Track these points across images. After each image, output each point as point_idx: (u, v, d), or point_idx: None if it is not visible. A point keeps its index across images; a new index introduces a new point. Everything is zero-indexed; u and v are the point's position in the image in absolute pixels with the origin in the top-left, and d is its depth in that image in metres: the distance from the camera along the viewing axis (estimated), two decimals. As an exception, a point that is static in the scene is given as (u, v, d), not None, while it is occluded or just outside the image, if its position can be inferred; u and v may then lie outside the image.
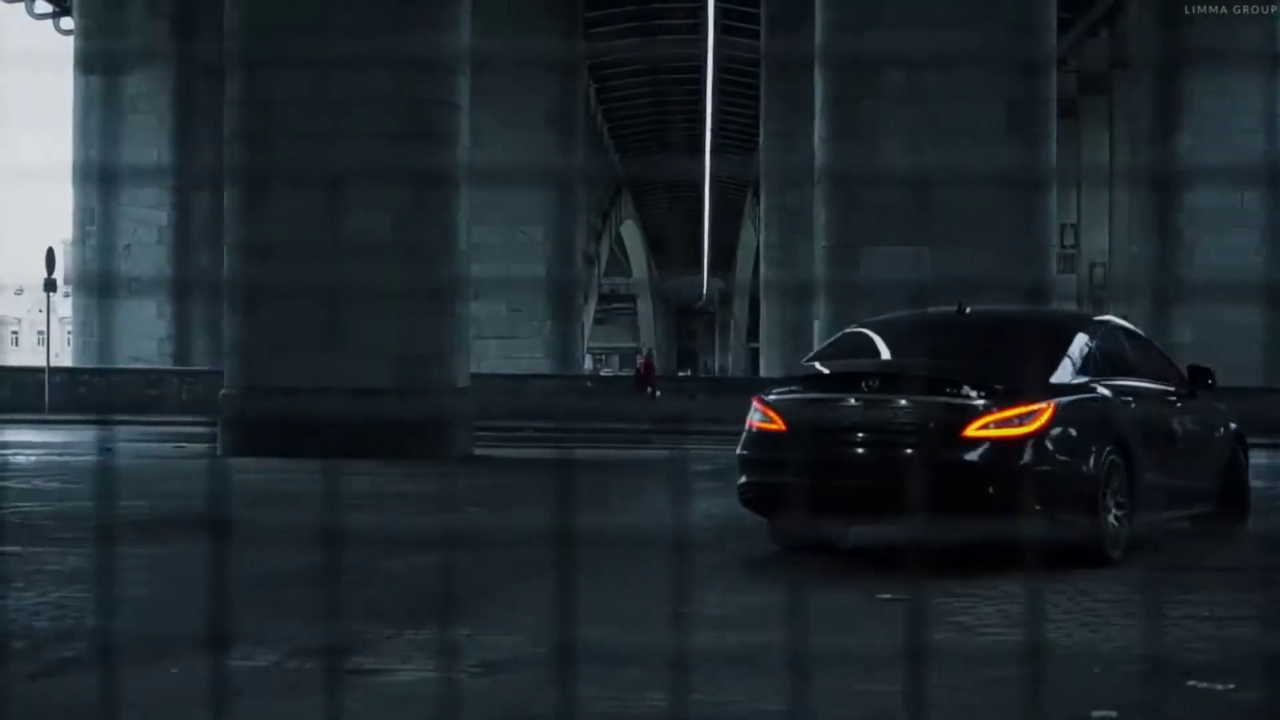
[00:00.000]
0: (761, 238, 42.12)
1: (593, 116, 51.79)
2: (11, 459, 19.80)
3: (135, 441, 24.26)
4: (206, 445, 22.25)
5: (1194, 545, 10.42)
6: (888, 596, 7.55)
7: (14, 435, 26.24)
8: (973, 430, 8.71)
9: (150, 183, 38.85)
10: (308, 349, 20.84)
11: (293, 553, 8.38)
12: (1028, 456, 8.70)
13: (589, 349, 69.23)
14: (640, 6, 44.84)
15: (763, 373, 41.11)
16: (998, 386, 8.87)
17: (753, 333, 68.80)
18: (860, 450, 8.97)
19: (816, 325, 22.08)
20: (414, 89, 21.58)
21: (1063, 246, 43.75)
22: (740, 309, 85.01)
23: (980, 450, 8.71)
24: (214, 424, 21.95)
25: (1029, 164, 20.55)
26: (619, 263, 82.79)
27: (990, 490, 8.64)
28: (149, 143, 38.92)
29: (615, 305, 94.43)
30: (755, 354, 64.15)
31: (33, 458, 20.22)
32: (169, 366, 37.39)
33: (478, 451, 21.62)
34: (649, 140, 63.27)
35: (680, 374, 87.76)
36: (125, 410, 32.15)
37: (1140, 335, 11.40)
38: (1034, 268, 20.37)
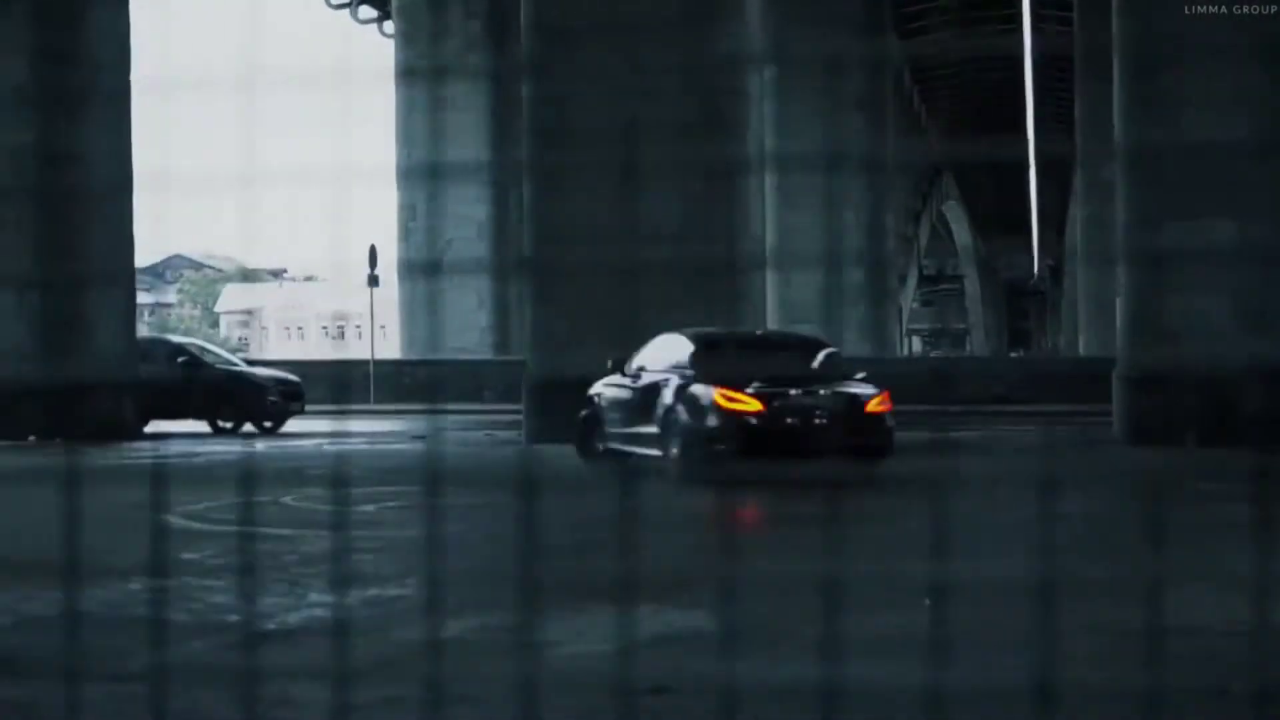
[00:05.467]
0: (1080, 213, 41.16)
1: (908, 99, 51.29)
2: (327, 448, 20.77)
3: (452, 430, 25.12)
4: (515, 433, 22.82)
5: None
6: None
7: (338, 425, 27.45)
8: None
9: (470, 180, 40.06)
10: (604, 336, 21.19)
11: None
12: None
13: (911, 331, 68.59)
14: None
15: (1082, 352, 40.11)
16: None
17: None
18: None
19: (1118, 302, 21.61)
20: (704, 79, 21.81)
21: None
22: (1071, 288, 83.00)
23: None
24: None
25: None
26: (944, 244, 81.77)
27: None
28: (468, 141, 40.13)
29: (943, 287, 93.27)
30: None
31: (347, 446, 21.17)
32: (489, 356, 38.54)
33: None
34: (968, 121, 62.49)
35: (1012, 354, 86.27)
36: (443, 399, 33.24)
37: None
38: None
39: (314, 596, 6.90)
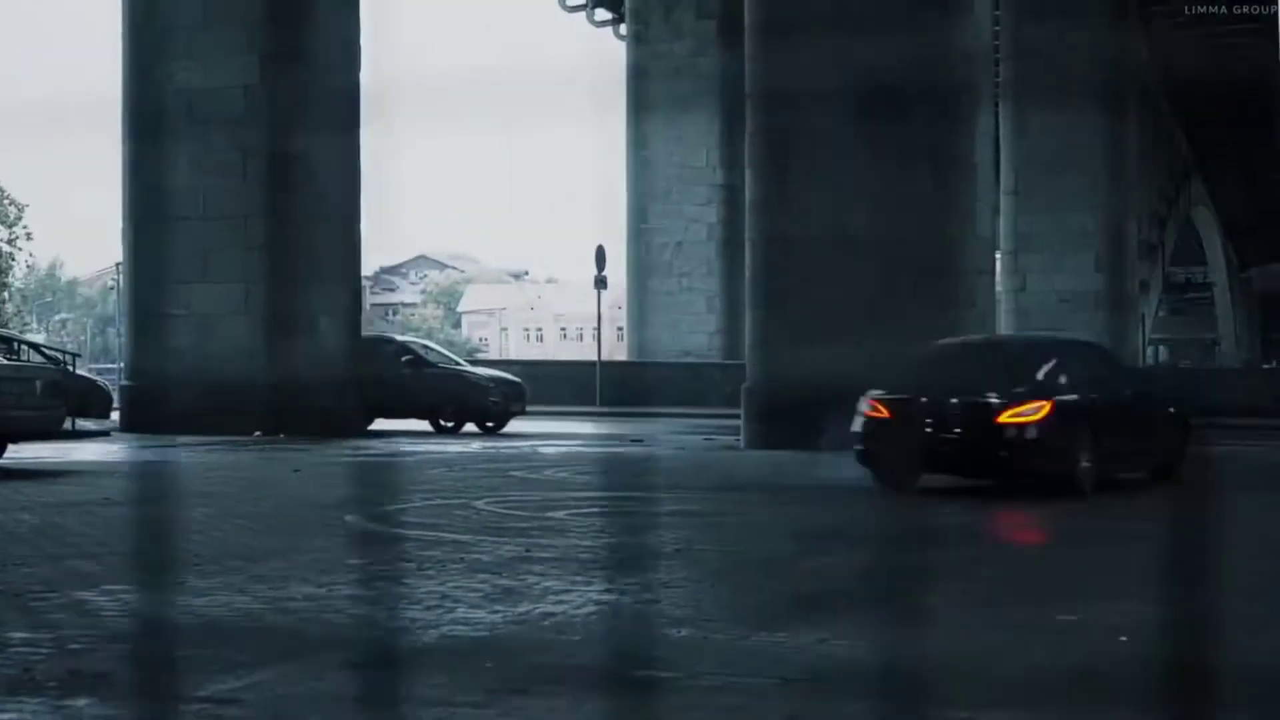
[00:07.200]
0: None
1: (1154, 100, 49.57)
2: (541, 450, 20.55)
3: (672, 434, 24.82)
4: (734, 438, 22.38)
5: None
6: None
7: (559, 426, 27.29)
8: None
9: (699, 181, 39.79)
10: (825, 341, 20.62)
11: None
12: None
13: (1153, 339, 66.47)
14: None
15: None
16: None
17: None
18: None
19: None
20: (927, 76, 21.08)
21: None
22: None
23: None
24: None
25: None
26: (1192, 251, 79.01)
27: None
28: (699, 143, 39.83)
29: (1191, 295, 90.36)
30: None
31: (562, 449, 20.92)
32: (716, 360, 38.14)
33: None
34: (1220, 117, 60.11)
35: (1265, 366, 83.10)
36: (668, 403, 32.93)
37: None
38: None
39: (461, 612, 6.51)
